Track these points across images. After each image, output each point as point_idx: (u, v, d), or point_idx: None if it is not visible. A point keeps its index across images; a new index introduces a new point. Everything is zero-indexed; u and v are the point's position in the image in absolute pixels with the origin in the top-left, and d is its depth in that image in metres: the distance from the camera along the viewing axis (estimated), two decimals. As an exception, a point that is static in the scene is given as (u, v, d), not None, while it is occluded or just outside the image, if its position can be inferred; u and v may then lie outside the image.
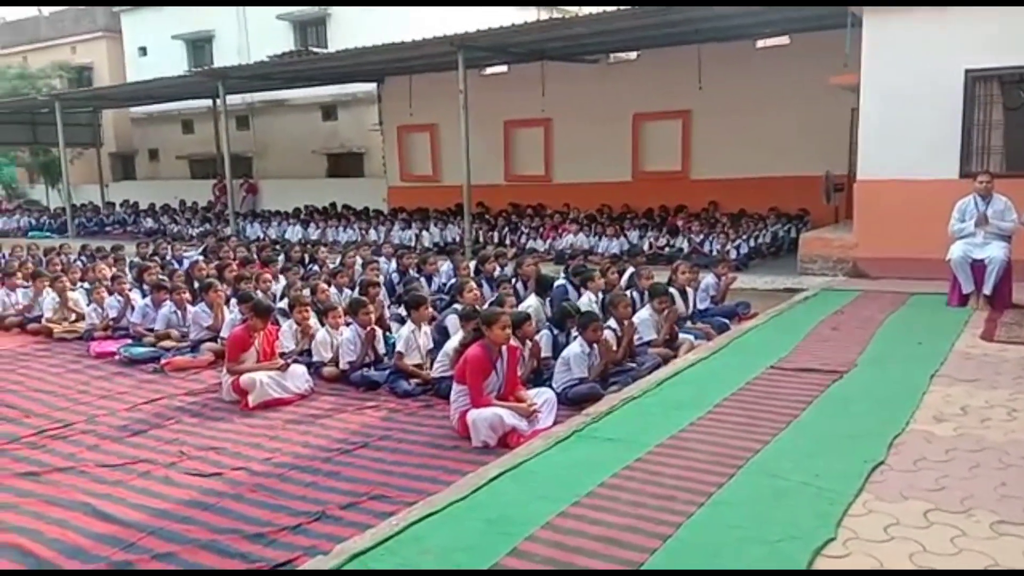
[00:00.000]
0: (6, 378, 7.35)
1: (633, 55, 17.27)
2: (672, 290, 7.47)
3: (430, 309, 7.19)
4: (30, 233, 22.67)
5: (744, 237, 13.36)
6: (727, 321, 8.30)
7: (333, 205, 20.44)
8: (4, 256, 14.26)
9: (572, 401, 5.60)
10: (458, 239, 15.68)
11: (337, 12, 22.97)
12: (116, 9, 28.65)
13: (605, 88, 17.29)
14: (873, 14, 10.17)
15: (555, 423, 5.13)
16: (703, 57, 15.54)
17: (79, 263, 12.27)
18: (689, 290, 8.14)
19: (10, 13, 33.83)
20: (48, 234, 22.37)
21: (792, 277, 11.10)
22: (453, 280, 9.94)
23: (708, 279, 8.85)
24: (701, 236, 13.56)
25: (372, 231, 17.19)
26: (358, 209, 19.74)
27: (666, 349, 6.80)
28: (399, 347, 6.70)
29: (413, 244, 15.49)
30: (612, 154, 17.49)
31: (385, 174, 21.72)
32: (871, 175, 10.41)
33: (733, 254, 12.51)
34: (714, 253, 12.66)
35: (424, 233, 16.31)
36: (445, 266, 10.74)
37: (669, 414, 4.98)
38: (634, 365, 6.29)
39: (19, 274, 10.30)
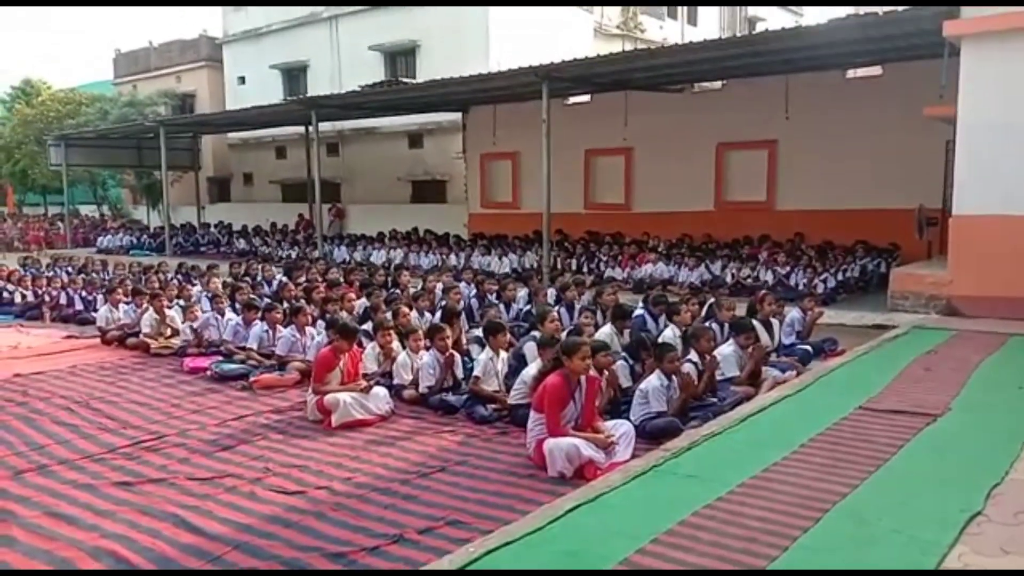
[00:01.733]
0: (107, 390, 7.76)
1: (718, 84, 17.12)
2: (756, 322, 7.29)
3: (508, 336, 7.24)
4: (131, 251, 23.97)
5: (831, 270, 12.95)
6: (810, 348, 8.08)
7: (416, 230, 20.86)
8: (109, 273, 15.12)
9: (650, 434, 5.53)
10: (536, 266, 15.74)
11: (426, 43, 23.62)
12: (219, 40, 30.19)
13: (689, 117, 17.17)
14: (971, 43, 9.81)
15: (633, 456, 5.07)
16: (791, 87, 15.29)
17: (175, 281, 12.90)
18: (774, 322, 7.93)
19: (125, 44, 36.09)
20: (147, 252, 23.59)
21: (882, 313, 10.69)
22: (529, 307, 10.00)
23: (794, 313, 8.60)
24: (787, 268, 13.19)
25: (452, 256, 17.44)
26: (440, 234, 20.09)
27: (749, 386, 6.63)
28: (476, 372, 6.78)
29: (492, 270, 15.65)
30: (694, 183, 17.32)
31: (466, 200, 22.07)
32: (968, 210, 9.98)
33: (820, 288, 12.13)
34: (800, 286, 12.31)
35: (503, 259, 16.44)
36: (521, 292, 10.79)
37: (752, 452, 4.85)
38: (715, 400, 6.17)
39: (120, 291, 10.87)
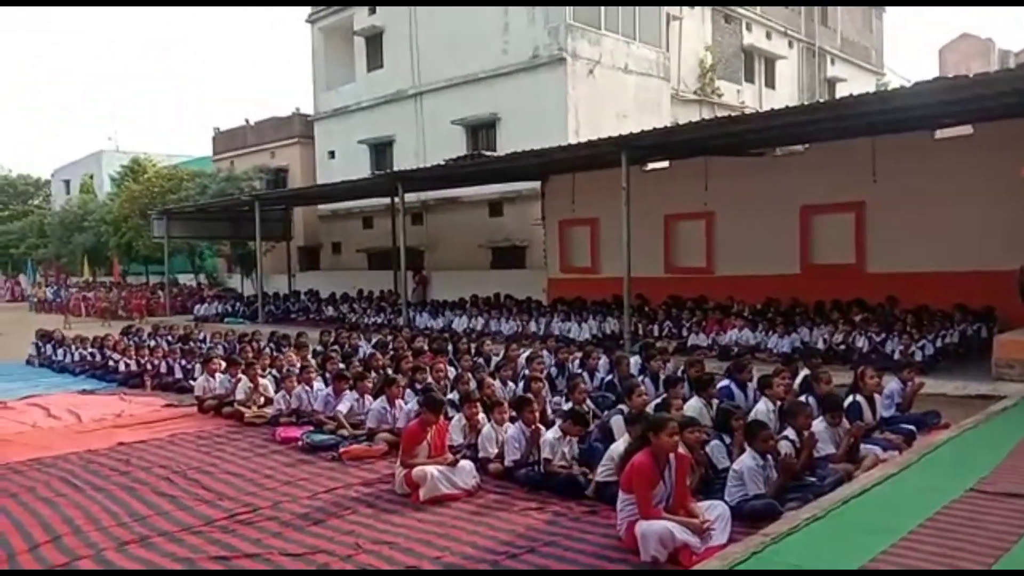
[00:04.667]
0: (203, 460, 8.02)
1: (801, 147, 16.91)
2: (859, 399, 6.98)
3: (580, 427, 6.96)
4: (226, 319, 24.99)
5: (929, 337, 12.33)
6: (914, 428, 7.67)
7: (497, 296, 21.08)
8: (206, 340, 15.76)
9: (747, 516, 5.31)
10: (616, 331, 15.61)
11: (505, 116, 24.26)
12: (311, 117, 31.77)
13: (771, 181, 16.96)
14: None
15: (730, 540, 4.89)
16: (877, 149, 14.98)
17: (268, 350, 13.33)
18: (876, 397, 7.59)
19: (223, 123, 38.37)
20: (241, 320, 24.55)
21: (986, 383, 10.16)
22: (611, 376, 9.87)
23: (892, 385, 8.22)
24: (882, 335, 12.63)
25: (533, 323, 17.48)
26: (520, 300, 20.24)
27: (847, 463, 6.34)
28: (545, 453, 6.66)
29: (573, 336, 15.60)
30: (778, 246, 17.00)
31: (546, 266, 22.24)
32: (1079, 273, 9.45)
33: (918, 355, 11.51)
34: (896, 354, 11.76)
35: (583, 325, 16.37)
36: (602, 360, 10.68)
37: (857, 539, 4.62)
38: (814, 480, 5.90)
39: (215, 361, 11.28)
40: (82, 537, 5.71)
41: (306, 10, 31.46)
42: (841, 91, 33.07)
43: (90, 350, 15.41)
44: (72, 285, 38.39)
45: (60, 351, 16.10)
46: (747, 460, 5.63)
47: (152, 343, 15.45)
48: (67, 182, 54.14)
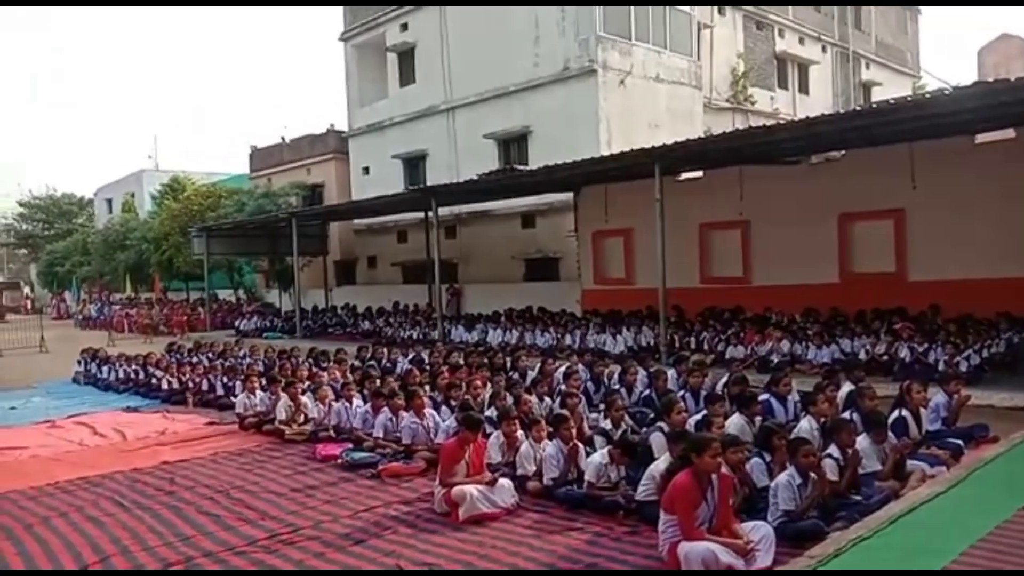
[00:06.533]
0: (246, 478, 8.12)
1: (838, 155, 16.68)
2: (904, 413, 6.83)
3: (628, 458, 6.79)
4: (265, 334, 25.30)
5: (975, 346, 12.04)
6: (961, 443, 7.48)
7: (531, 308, 21.05)
8: (246, 356, 15.97)
9: (792, 537, 5.22)
10: (652, 343, 15.48)
11: (537, 128, 24.30)
12: (345, 134, 32.15)
13: (808, 189, 16.74)
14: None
15: (774, 563, 4.81)
16: (916, 155, 14.70)
17: (307, 364, 13.45)
18: (922, 411, 7.42)
19: (260, 141, 38.98)
20: (279, 335, 24.84)
21: (1035, 395, 9.87)
22: (649, 391, 9.78)
23: (938, 398, 8.03)
24: (926, 345, 12.35)
25: (568, 335, 17.40)
26: (553, 312, 20.19)
27: (894, 480, 6.20)
28: (588, 476, 6.59)
29: (607, 348, 15.49)
30: (817, 255, 16.74)
31: (579, 277, 22.18)
32: None
33: (963, 366, 11.26)
34: (940, 364, 11.49)
35: (617, 337, 16.25)
36: (640, 375, 10.57)
37: (906, 561, 4.52)
38: (860, 498, 5.78)
39: (255, 378, 11.42)
40: (130, 558, 5.82)
41: (339, 28, 31.89)
42: (877, 95, 32.61)
43: (134, 367, 15.72)
44: (115, 302, 39.18)
45: (105, 369, 16.43)
46: (782, 476, 5.54)
47: (194, 360, 15.69)
48: (109, 201, 55.35)
